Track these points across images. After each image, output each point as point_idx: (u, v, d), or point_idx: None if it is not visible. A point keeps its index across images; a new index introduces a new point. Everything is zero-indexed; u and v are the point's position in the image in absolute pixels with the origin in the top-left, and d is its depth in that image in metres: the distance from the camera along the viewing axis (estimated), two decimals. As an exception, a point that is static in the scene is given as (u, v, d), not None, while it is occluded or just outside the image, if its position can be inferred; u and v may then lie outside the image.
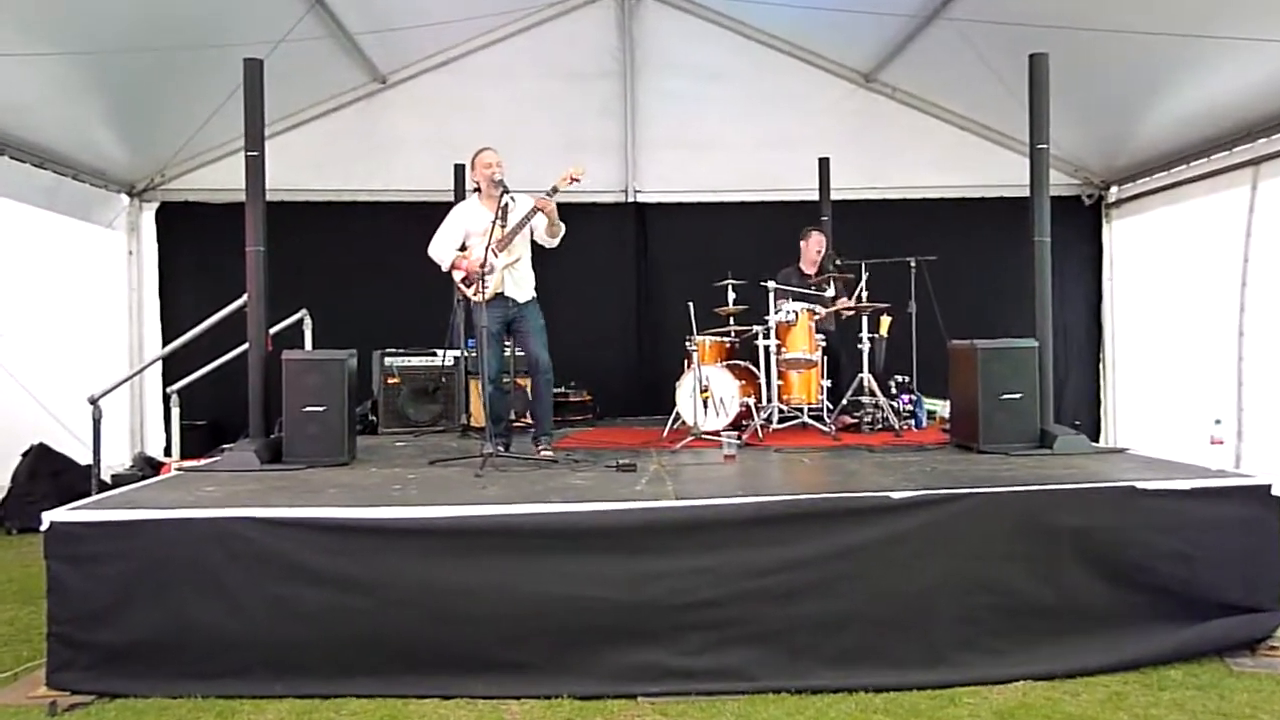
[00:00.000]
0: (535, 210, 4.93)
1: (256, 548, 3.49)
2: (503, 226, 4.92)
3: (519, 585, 3.46)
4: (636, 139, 8.22)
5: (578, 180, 4.91)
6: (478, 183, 5.18)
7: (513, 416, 6.05)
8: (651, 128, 8.21)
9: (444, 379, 6.91)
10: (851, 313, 6.40)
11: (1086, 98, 6.71)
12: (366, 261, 7.80)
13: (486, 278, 4.79)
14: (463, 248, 5.14)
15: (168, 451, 7.13)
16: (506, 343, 5.25)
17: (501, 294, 5.02)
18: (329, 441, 4.80)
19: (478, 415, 6.44)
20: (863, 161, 7.95)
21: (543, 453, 5.01)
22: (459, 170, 6.99)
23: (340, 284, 7.70)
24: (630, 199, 8.23)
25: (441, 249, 5.15)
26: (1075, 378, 8.17)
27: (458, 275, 5.14)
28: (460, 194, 6.98)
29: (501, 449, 4.92)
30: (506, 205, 4.92)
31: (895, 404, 6.26)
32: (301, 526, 3.52)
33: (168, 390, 6.77)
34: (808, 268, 6.70)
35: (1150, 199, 7.67)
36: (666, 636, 3.47)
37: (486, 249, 4.82)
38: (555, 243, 5.17)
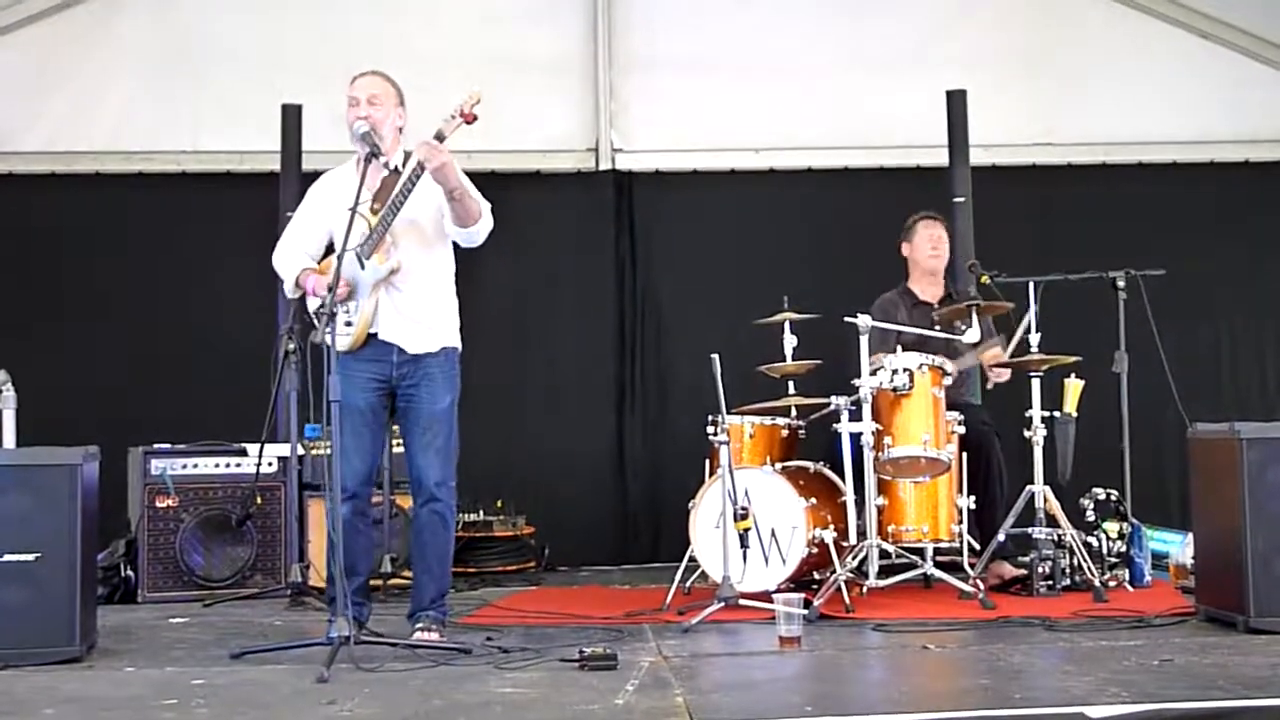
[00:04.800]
0: (420, 169, 4.98)
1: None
2: (374, 210, 5.01)
3: None
4: (615, 57, 8.36)
5: (472, 118, 4.95)
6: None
7: (386, 568, 6.06)
8: (642, 36, 8.36)
9: (259, 499, 6.92)
10: (1009, 373, 6.47)
11: None
12: (116, 282, 7.85)
13: (338, 305, 4.82)
14: (330, 252, 5.21)
15: None
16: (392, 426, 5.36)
17: (377, 337, 5.11)
18: (43, 619, 4.78)
19: (322, 566, 6.43)
20: (1030, 98, 8.14)
21: (420, 634, 5.04)
22: (291, 116, 7.10)
23: (67, 319, 7.75)
24: (604, 164, 8.36)
25: (285, 258, 5.27)
26: None
27: (311, 303, 5.19)
28: (294, 152, 7.04)
29: (367, 630, 4.93)
30: (384, 174, 5.03)
31: (1095, 540, 6.29)
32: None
33: None
34: (926, 289, 6.81)
35: None
36: None
37: (339, 255, 4.89)
38: (476, 234, 5.21)
